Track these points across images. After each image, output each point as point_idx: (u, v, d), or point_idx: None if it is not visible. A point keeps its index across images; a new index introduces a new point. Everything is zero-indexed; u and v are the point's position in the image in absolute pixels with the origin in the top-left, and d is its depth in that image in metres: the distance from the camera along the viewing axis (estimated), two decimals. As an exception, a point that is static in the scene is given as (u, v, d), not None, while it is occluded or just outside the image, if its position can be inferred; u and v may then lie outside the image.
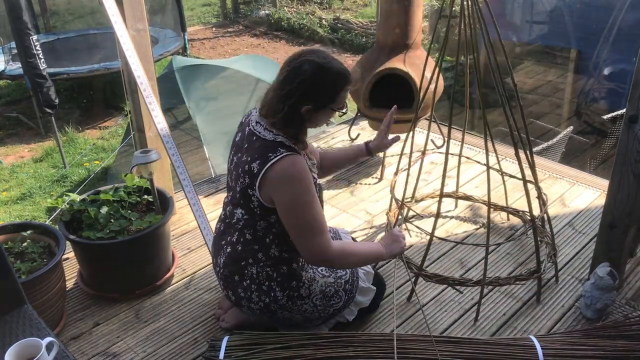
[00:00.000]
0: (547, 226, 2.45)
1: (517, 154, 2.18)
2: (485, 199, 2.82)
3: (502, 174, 2.59)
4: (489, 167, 2.21)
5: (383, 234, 2.52)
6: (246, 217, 1.85)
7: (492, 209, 2.76)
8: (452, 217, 2.89)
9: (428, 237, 2.25)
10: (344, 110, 1.83)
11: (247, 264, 1.90)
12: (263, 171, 1.72)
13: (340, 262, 1.89)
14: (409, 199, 2.70)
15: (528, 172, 2.25)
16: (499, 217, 2.87)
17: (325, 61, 1.73)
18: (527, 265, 2.50)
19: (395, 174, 2.63)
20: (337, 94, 1.77)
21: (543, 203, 2.35)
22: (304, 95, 1.71)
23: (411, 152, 2.60)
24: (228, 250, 1.94)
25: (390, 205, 2.71)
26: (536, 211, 2.30)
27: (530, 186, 2.27)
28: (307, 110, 1.73)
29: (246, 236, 1.88)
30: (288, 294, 1.90)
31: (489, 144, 2.17)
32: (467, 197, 2.90)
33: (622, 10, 5.03)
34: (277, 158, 1.71)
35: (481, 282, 2.17)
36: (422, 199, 2.94)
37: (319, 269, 1.98)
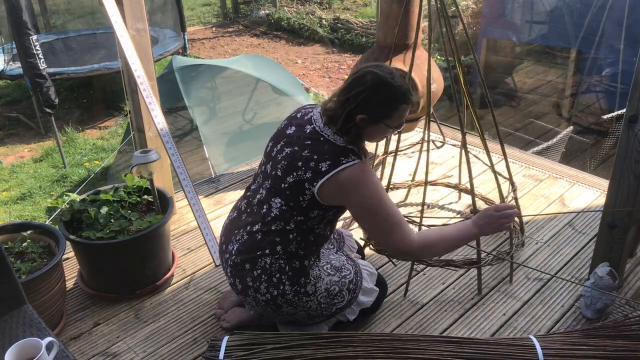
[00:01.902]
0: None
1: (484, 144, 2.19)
2: (479, 192, 2.83)
3: (494, 169, 2.59)
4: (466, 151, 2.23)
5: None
6: (284, 208, 1.86)
7: (463, 193, 2.87)
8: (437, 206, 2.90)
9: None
10: (399, 130, 1.86)
11: (263, 254, 1.90)
12: (333, 172, 1.76)
13: (429, 251, 1.91)
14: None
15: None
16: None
17: (388, 76, 1.76)
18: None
19: (383, 157, 2.66)
20: (393, 111, 1.79)
21: (512, 187, 2.38)
22: (361, 104, 1.76)
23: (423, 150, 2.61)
24: (245, 237, 1.93)
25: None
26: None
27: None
28: (361, 119, 1.77)
29: (271, 227, 1.89)
30: (296, 289, 1.91)
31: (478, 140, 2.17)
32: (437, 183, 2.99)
33: (621, 10, 5.03)
34: (349, 164, 1.77)
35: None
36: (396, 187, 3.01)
37: (325, 267, 1.99)
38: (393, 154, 2.64)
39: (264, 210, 1.90)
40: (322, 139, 1.83)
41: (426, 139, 2.52)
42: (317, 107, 1.93)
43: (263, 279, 1.90)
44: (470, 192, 2.31)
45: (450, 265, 2.31)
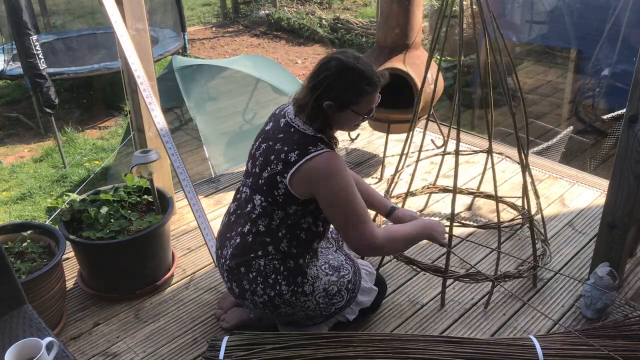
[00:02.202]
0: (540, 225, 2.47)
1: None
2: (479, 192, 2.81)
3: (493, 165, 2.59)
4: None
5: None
6: (264, 205, 1.86)
7: (480, 197, 2.81)
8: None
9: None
10: (369, 117, 1.85)
11: (256, 256, 1.90)
12: (301, 162, 1.76)
13: (390, 247, 1.92)
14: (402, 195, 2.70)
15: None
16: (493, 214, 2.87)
17: (352, 60, 1.76)
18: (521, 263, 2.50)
19: (394, 175, 2.63)
20: (360, 97, 1.78)
21: (536, 196, 2.36)
22: (326, 90, 1.76)
23: (419, 153, 2.60)
24: (237, 241, 1.94)
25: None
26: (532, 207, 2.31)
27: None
28: (328, 106, 1.77)
29: (259, 227, 1.89)
30: (293, 289, 1.91)
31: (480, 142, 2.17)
32: (458, 191, 2.91)
33: (621, 10, 5.03)
34: (317, 152, 1.76)
35: (445, 274, 2.24)
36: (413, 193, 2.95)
37: (323, 267, 1.98)
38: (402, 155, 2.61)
39: (249, 209, 1.91)
40: (292, 130, 1.83)
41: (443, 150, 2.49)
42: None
43: (259, 281, 1.90)
44: (495, 198, 2.31)
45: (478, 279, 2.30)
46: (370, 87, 1.78)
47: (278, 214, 1.86)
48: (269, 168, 1.82)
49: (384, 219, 2.21)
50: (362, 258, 2.32)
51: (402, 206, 2.46)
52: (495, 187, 2.34)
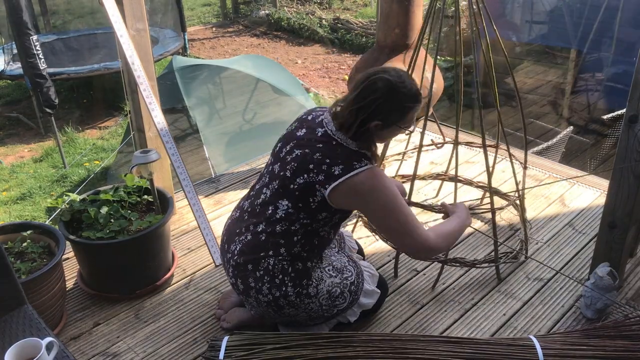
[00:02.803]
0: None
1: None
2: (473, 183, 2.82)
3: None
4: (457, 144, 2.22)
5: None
6: (290, 211, 1.86)
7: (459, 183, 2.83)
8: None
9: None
10: (410, 129, 1.90)
11: (267, 255, 1.90)
12: (346, 177, 1.78)
13: (444, 245, 1.95)
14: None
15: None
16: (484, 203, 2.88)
17: (399, 80, 1.79)
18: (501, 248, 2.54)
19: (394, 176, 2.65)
20: (407, 114, 1.83)
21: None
22: (375, 111, 1.79)
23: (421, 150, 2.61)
24: (248, 238, 1.93)
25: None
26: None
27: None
28: (376, 125, 1.81)
29: (276, 229, 1.88)
30: (298, 291, 1.91)
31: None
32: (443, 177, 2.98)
33: (621, 10, 5.03)
34: (363, 169, 1.79)
35: (443, 261, 2.31)
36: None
37: (327, 269, 1.99)
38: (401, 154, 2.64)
39: (269, 212, 1.90)
40: (334, 142, 1.84)
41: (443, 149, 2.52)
42: (328, 110, 1.94)
43: (265, 280, 1.90)
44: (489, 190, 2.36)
45: (473, 264, 2.38)
46: (416, 105, 1.83)
47: (302, 221, 1.86)
48: (305, 175, 1.82)
49: None
50: (363, 259, 2.32)
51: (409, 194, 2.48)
52: (489, 176, 2.35)
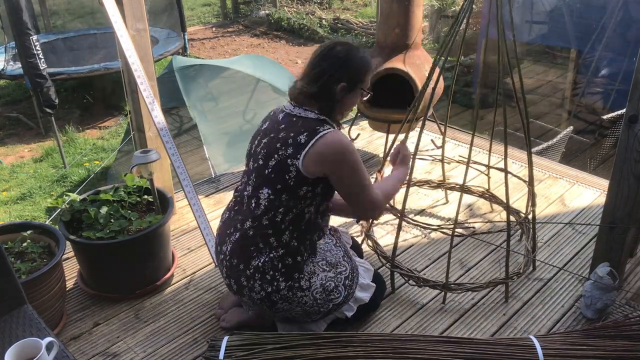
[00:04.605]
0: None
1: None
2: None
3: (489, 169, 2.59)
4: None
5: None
6: (271, 198, 1.89)
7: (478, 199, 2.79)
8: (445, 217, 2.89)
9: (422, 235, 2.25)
10: (369, 94, 1.96)
11: (257, 249, 1.91)
12: (313, 141, 1.83)
13: (387, 199, 2.05)
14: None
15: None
16: (492, 214, 2.87)
17: (354, 45, 1.91)
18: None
19: (379, 171, 2.65)
20: (365, 75, 1.92)
21: (533, 202, 2.36)
22: (338, 72, 1.85)
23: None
24: (237, 236, 1.95)
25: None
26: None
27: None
28: (342, 87, 1.86)
29: (262, 222, 1.91)
30: (290, 284, 1.92)
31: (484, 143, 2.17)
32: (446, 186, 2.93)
33: (620, 10, 5.03)
34: (326, 132, 1.84)
35: (445, 286, 2.27)
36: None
37: (320, 264, 2.00)
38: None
39: (253, 205, 1.93)
40: (294, 119, 1.90)
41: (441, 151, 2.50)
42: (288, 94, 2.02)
43: (257, 278, 1.92)
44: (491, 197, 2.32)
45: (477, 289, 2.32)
46: (370, 64, 1.92)
47: (286, 204, 1.88)
48: (276, 155, 1.87)
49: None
50: (360, 256, 2.32)
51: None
52: (507, 190, 2.34)
